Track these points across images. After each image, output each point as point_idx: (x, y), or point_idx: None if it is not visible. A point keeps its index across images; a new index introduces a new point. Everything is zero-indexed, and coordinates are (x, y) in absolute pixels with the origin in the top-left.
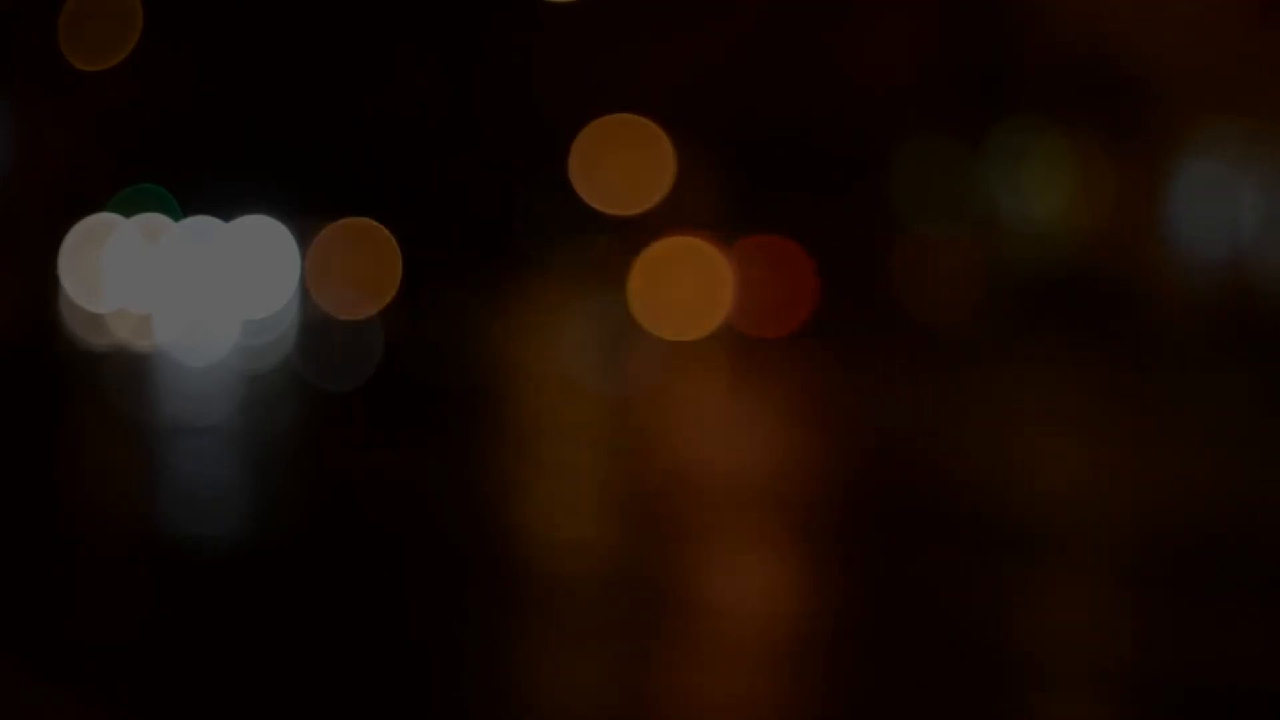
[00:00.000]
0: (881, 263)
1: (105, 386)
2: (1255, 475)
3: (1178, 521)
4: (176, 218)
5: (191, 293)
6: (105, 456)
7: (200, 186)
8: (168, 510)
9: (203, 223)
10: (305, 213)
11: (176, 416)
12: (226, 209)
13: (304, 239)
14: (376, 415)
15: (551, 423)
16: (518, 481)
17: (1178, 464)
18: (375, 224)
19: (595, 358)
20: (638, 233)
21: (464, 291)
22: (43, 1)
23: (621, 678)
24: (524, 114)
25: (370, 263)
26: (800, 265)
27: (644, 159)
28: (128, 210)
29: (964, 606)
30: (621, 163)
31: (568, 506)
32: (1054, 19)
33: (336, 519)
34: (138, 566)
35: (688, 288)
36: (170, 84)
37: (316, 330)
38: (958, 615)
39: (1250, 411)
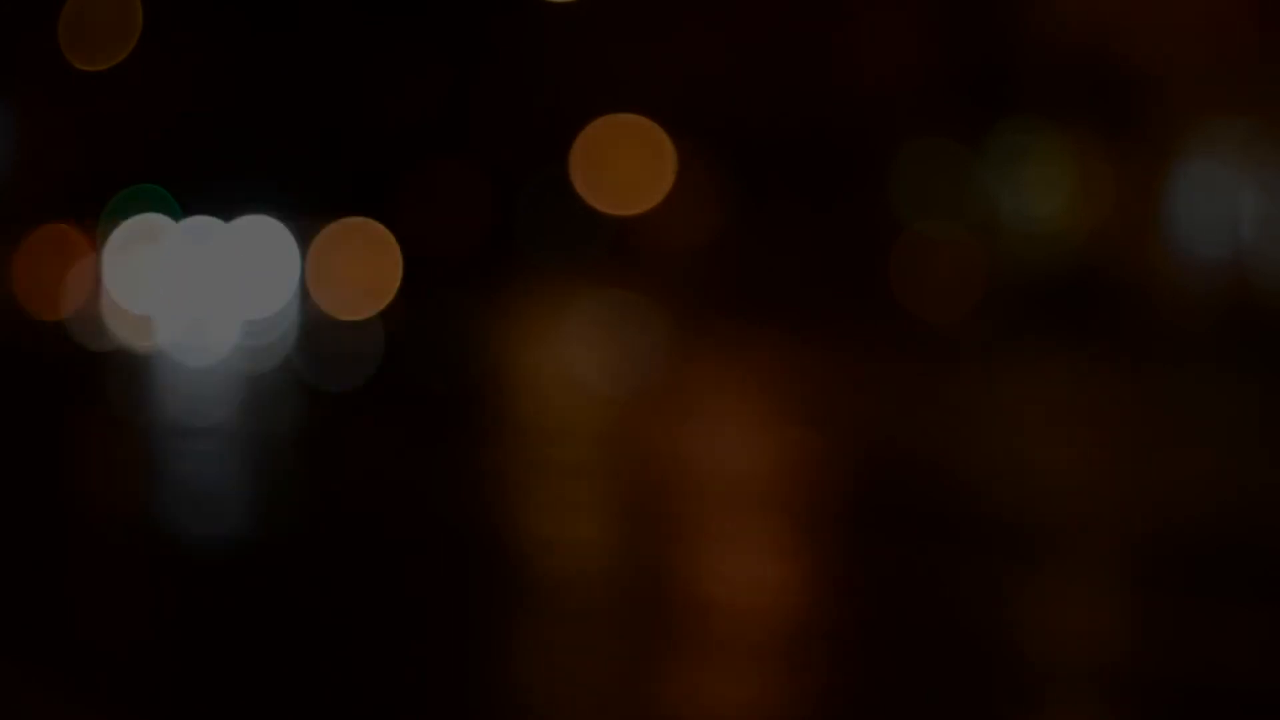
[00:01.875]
0: (881, 262)
1: (106, 387)
2: (1256, 475)
3: (1178, 521)
4: (176, 218)
5: (191, 293)
6: (106, 458)
7: (200, 186)
8: (168, 511)
9: (203, 223)
10: (305, 213)
11: (177, 417)
12: (226, 209)
13: (304, 239)
14: (376, 416)
15: (551, 423)
16: (518, 481)
17: (1178, 464)
18: (375, 224)
19: (600, 357)
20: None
21: (464, 292)
22: (43, 2)
23: (622, 677)
24: (524, 114)
25: (370, 263)
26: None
27: (644, 159)
28: (128, 210)
29: (964, 606)
30: (621, 163)
31: (568, 506)
32: (1054, 19)
33: (337, 519)
34: (138, 567)
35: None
36: (170, 84)
37: (316, 330)
38: (958, 615)
39: (1250, 411)
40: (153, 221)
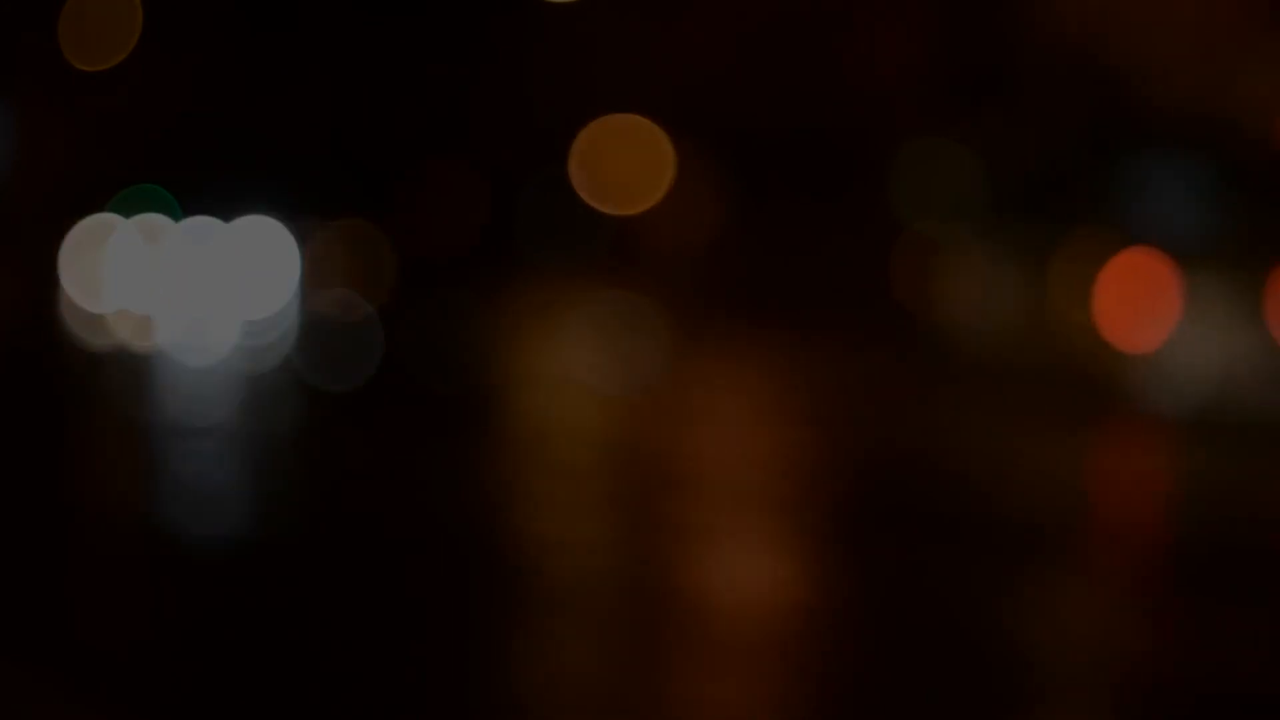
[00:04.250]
0: (882, 262)
1: (106, 387)
2: (1255, 477)
3: (1178, 523)
4: (176, 218)
5: (191, 293)
6: (106, 457)
7: (200, 186)
8: (168, 510)
9: (203, 223)
10: (305, 213)
11: (177, 417)
12: (226, 209)
13: (304, 239)
14: (376, 416)
15: (551, 423)
16: (518, 481)
17: (1178, 463)
18: (374, 225)
19: (600, 357)
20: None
21: (463, 292)
22: (43, 2)
23: (621, 677)
24: (524, 114)
25: (369, 263)
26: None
27: (644, 159)
28: (128, 210)
29: (964, 606)
30: (621, 163)
31: (568, 506)
32: (1053, 19)
33: (337, 519)
34: (138, 567)
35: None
36: (170, 84)
37: (316, 330)
38: (958, 615)
39: (1250, 412)
40: (152, 221)
